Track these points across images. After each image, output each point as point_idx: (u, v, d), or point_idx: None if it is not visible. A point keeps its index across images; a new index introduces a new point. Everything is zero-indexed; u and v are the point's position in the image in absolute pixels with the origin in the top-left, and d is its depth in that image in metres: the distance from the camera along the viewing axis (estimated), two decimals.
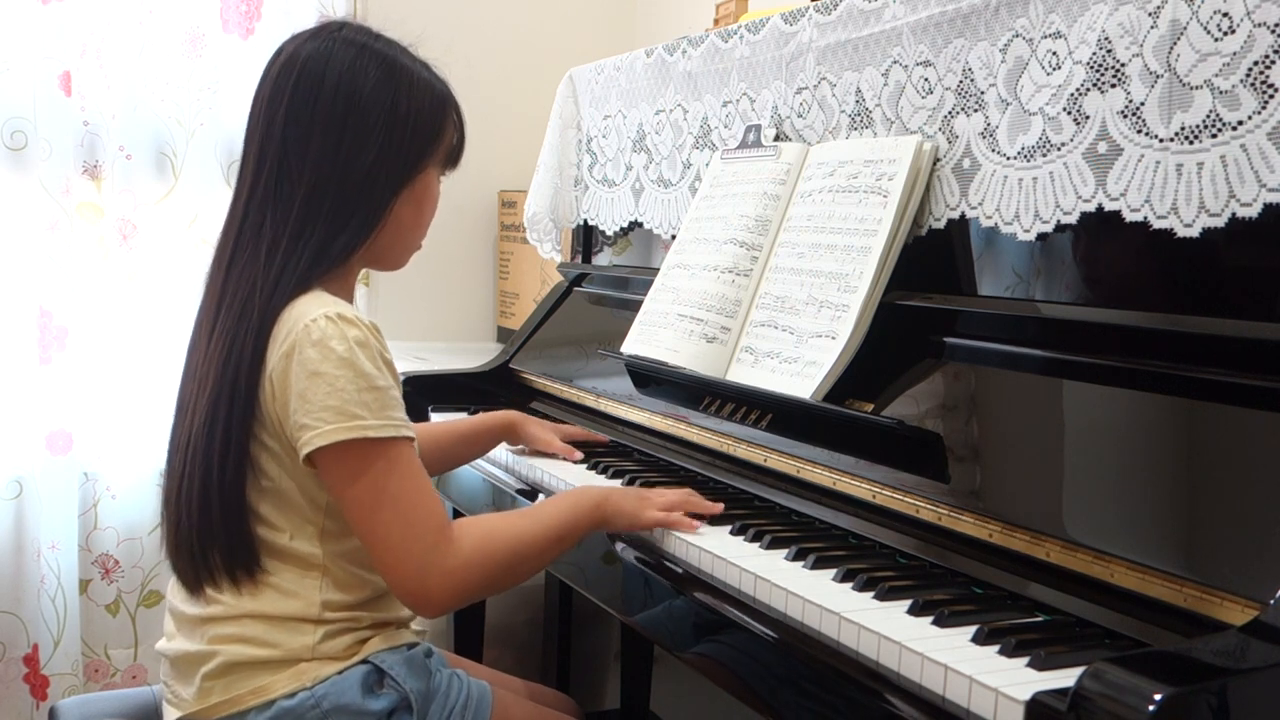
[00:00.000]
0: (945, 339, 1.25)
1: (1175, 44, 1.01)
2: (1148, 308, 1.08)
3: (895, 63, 1.36)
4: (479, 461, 1.65)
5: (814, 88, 1.51)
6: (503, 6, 2.86)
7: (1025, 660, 0.86)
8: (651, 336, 1.58)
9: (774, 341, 1.40)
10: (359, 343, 1.10)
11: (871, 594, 1.01)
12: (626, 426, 1.68)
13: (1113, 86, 1.08)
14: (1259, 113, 0.95)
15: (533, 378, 1.99)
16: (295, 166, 1.16)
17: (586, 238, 2.17)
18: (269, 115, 1.17)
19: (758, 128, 1.59)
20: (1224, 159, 0.97)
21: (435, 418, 1.92)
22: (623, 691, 2.15)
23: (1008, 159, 1.20)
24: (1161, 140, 1.03)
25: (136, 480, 2.44)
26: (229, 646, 1.13)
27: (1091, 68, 1.10)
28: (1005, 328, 1.19)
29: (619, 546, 1.25)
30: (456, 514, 1.79)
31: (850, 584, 1.04)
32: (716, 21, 2.10)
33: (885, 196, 1.31)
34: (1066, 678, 0.78)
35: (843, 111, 1.46)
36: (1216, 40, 0.98)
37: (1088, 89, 1.11)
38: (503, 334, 2.81)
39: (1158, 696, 0.68)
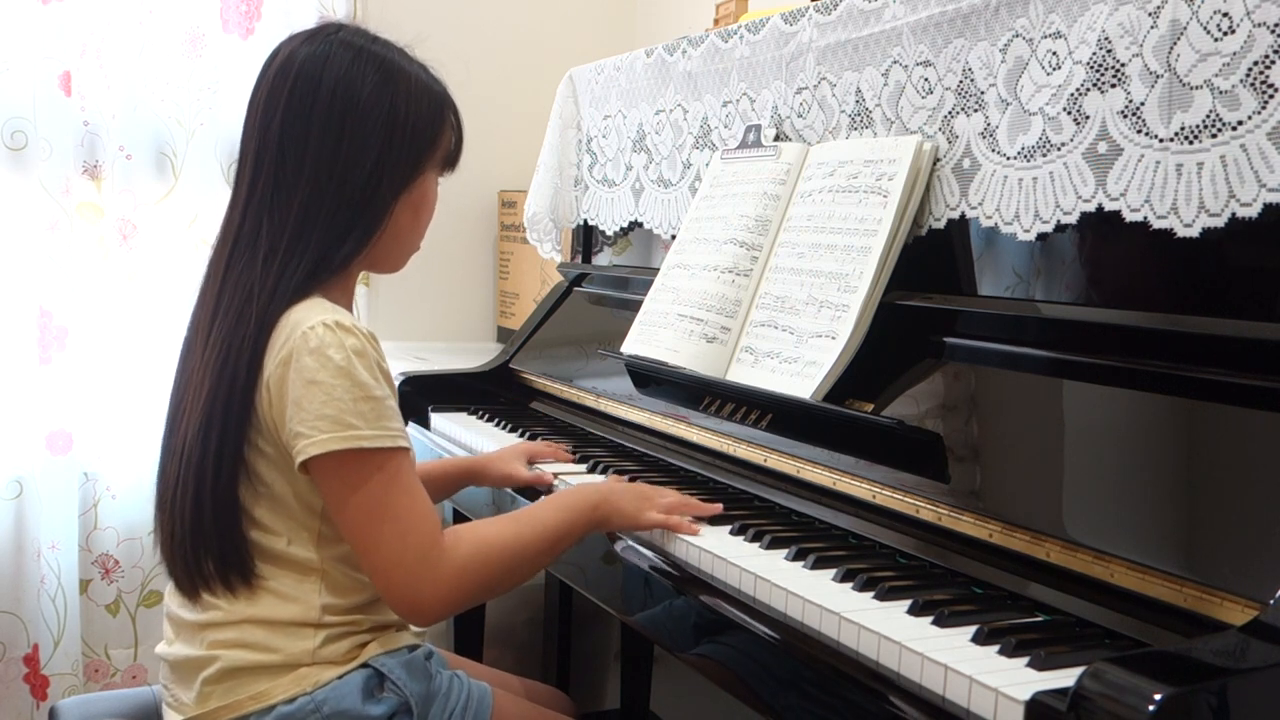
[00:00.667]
0: (945, 339, 1.25)
1: (1175, 44, 1.01)
2: (1148, 308, 1.08)
3: (895, 63, 1.35)
4: None
5: (814, 88, 1.51)
6: (503, 6, 2.86)
7: (1025, 660, 0.86)
8: (651, 336, 1.58)
9: (774, 341, 1.40)
10: (356, 352, 1.09)
11: (871, 594, 1.01)
12: (626, 426, 1.68)
13: (1113, 86, 1.08)
14: (1259, 113, 0.95)
15: (533, 378, 1.99)
16: (292, 171, 1.14)
17: (586, 238, 2.17)
18: (265, 119, 1.16)
19: (758, 128, 1.59)
20: (1224, 159, 0.97)
21: (435, 418, 1.92)
22: (623, 691, 2.15)
23: (1008, 159, 1.20)
24: (1161, 140, 1.03)
25: (136, 480, 2.44)
26: (229, 651, 1.12)
27: (1091, 68, 1.10)
28: (1005, 328, 1.19)
29: (619, 546, 1.25)
30: (456, 514, 1.80)
31: (850, 584, 1.04)
32: (716, 21, 2.10)
33: (885, 196, 1.31)
34: (1066, 678, 0.78)
35: (843, 111, 1.46)
36: (1216, 40, 0.98)
37: (1088, 89, 1.10)
38: (503, 334, 2.81)
39: (1158, 696, 0.68)
